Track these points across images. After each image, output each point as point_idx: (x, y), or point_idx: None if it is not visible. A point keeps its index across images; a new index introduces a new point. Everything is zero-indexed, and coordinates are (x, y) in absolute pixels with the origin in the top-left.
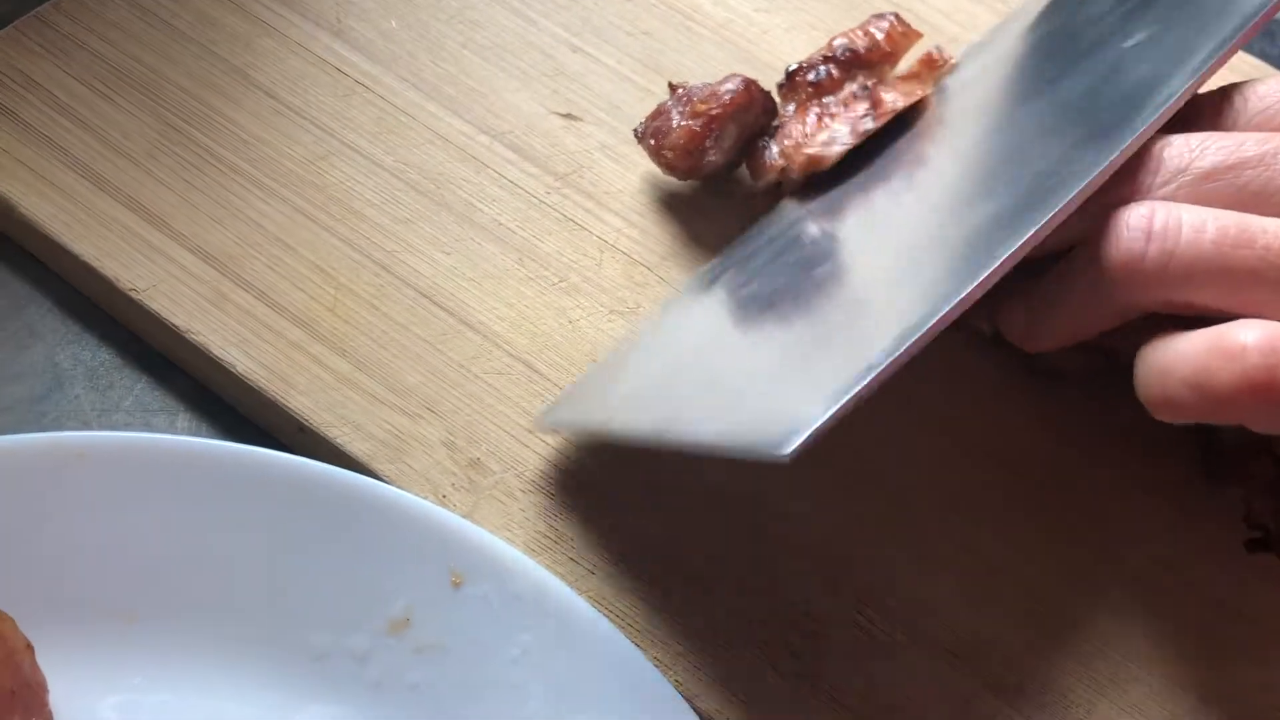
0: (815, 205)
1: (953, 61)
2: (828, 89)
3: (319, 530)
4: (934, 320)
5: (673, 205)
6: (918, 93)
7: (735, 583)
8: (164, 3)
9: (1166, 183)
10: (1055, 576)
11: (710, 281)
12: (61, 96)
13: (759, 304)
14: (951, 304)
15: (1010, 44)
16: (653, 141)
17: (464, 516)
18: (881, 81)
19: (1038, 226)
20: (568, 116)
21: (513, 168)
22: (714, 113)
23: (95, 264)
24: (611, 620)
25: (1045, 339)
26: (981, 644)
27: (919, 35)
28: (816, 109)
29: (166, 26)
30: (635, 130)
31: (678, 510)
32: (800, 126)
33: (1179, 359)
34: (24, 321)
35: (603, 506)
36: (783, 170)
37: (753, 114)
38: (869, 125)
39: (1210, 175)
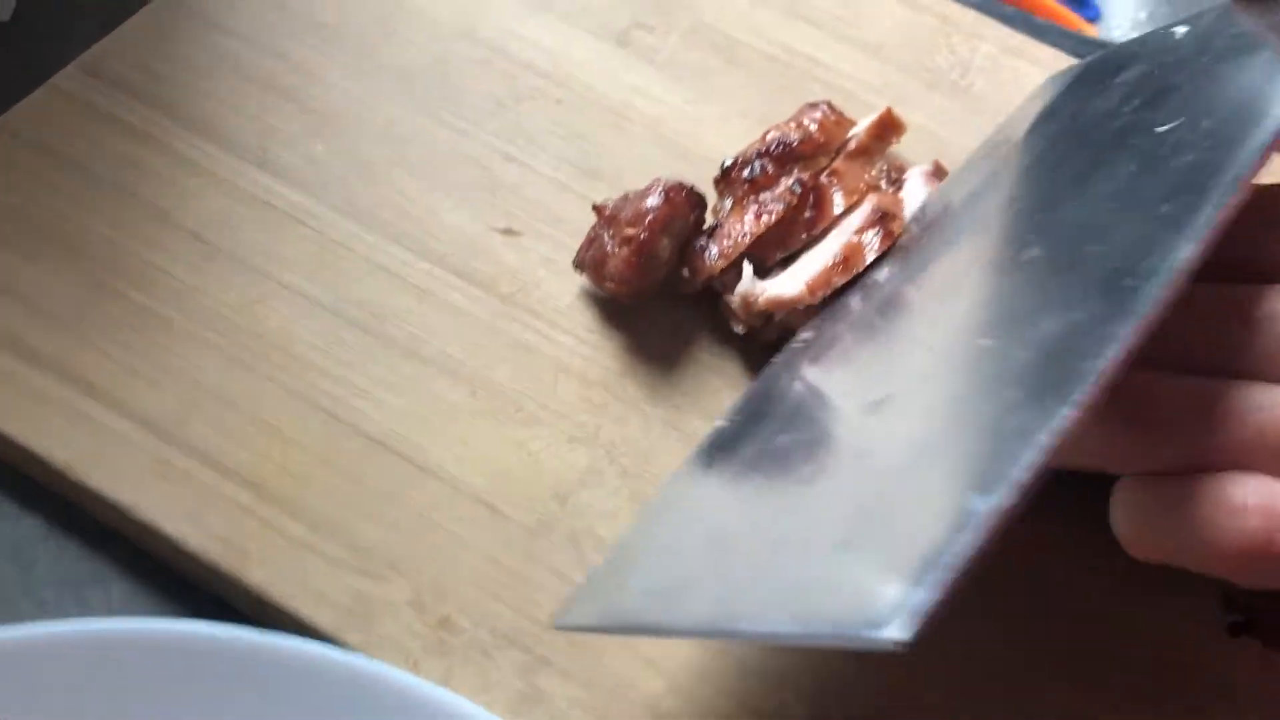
0: (816, 341)
1: (904, 126)
2: (763, 185)
3: (286, 711)
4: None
5: (623, 316)
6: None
7: None
8: (77, 146)
9: None
10: (1052, 673)
11: (722, 444)
12: None
13: (797, 460)
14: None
15: (1010, 158)
16: (592, 273)
17: (439, 683)
18: (818, 172)
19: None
20: (508, 232)
21: (456, 293)
22: (643, 236)
23: (27, 443)
24: None
25: None
26: None
27: (853, 122)
28: (754, 206)
29: (81, 171)
30: (573, 262)
31: (662, 654)
32: (739, 225)
33: (1168, 508)
34: None
35: (582, 657)
36: (723, 272)
37: (681, 220)
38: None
39: None
